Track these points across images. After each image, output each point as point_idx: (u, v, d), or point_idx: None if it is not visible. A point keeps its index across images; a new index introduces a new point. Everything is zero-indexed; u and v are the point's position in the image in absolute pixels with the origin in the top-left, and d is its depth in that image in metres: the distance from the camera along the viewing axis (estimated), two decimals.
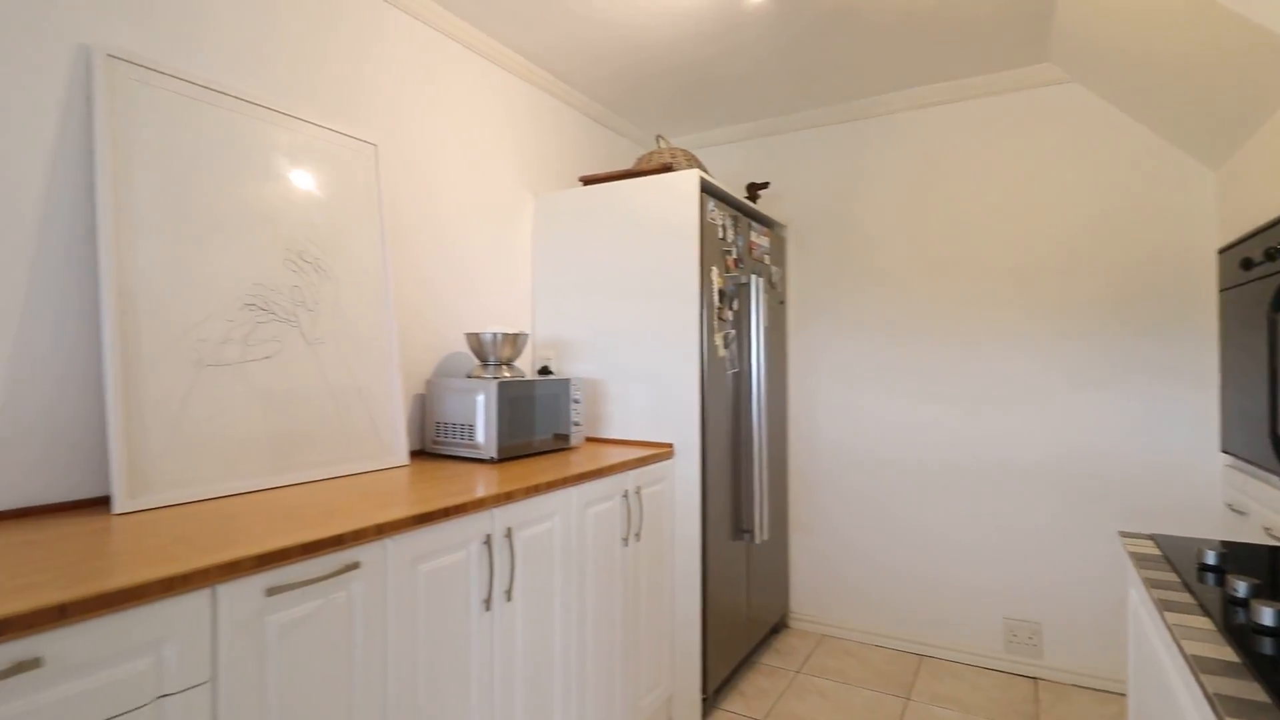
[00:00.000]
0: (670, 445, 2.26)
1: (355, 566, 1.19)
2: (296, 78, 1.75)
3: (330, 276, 1.75)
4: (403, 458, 1.86)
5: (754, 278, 2.54)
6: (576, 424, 2.22)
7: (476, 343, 2.07)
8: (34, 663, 0.81)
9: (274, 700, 1.06)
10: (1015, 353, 2.58)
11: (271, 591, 1.05)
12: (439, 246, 2.18)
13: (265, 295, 1.59)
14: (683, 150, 2.50)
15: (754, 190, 2.89)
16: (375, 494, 1.49)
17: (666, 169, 2.34)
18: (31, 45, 1.28)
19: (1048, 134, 2.54)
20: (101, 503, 1.35)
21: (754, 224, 2.67)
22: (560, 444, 2.16)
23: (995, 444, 2.61)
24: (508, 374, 2.07)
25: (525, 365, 2.53)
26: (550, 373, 2.44)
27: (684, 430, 2.25)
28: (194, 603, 0.96)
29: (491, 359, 2.08)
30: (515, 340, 2.09)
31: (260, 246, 1.60)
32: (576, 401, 2.22)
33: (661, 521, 2.19)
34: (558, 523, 1.71)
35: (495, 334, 2.04)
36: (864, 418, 2.86)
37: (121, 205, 1.36)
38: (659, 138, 2.70)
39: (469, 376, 2.05)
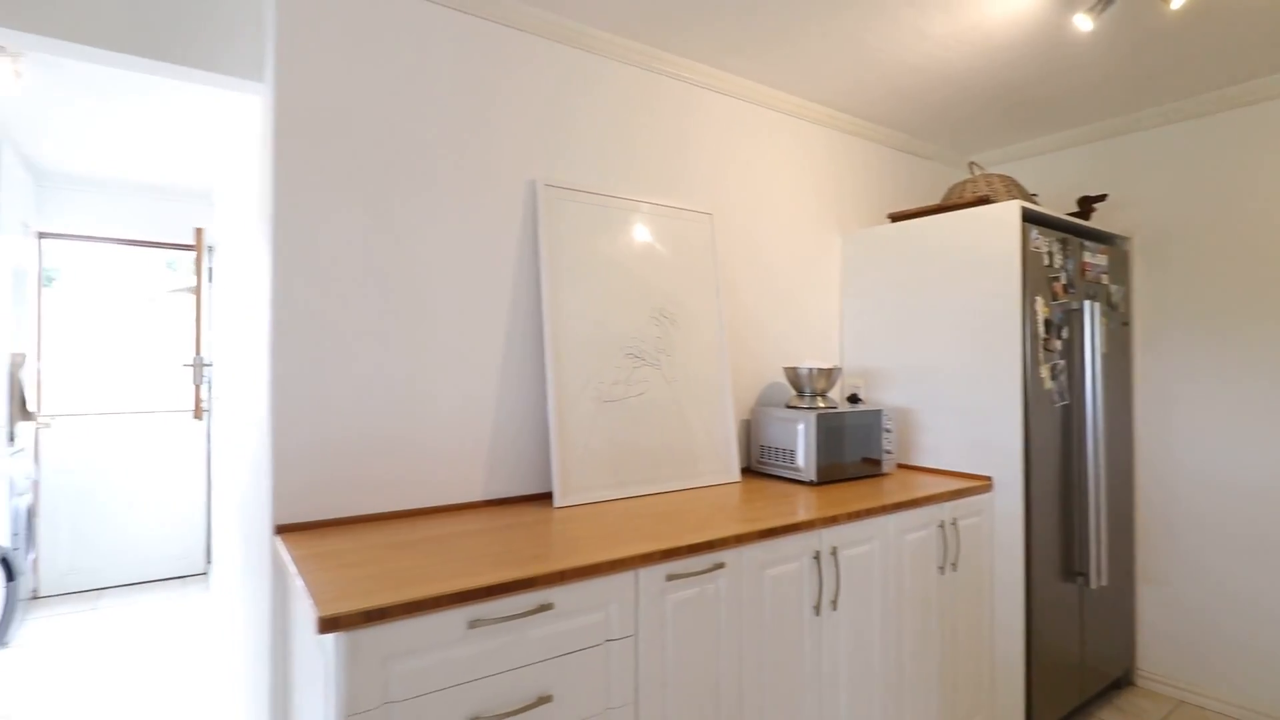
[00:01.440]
0: (988, 478, 2.26)
1: (721, 566, 1.54)
2: (652, 174, 2.22)
3: (680, 326, 2.18)
4: (735, 475, 2.21)
5: (1087, 303, 2.38)
6: (888, 452, 2.35)
7: (794, 375, 2.35)
8: (549, 605, 1.28)
9: (670, 654, 1.45)
10: None
11: (670, 578, 1.45)
12: (758, 290, 2.51)
13: (639, 345, 2.07)
14: (1000, 177, 2.46)
15: (1087, 205, 2.67)
16: (721, 506, 1.84)
17: (983, 201, 2.34)
18: (503, 182, 1.91)
19: None
20: (545, 497, 1.92)
21: (1086, 243, 2.49)
22: (872, 470, 2.32)
23: None
24: (823, 404, 2.30)
25: (834, 393, 2.73)
26: (859, 400, 2.61)
27: (1004, 464, 2.23)
28: (625, 580, 1.39)
29: (807, 390, 2.34)
30: (829, 374, 2.31)
31: (636, 307, 2.08)
32: (888, 430, 2.35)
33: (980, 555, 2.21)
34: (876, 546, 1.89)
35: (811, 369, 2.29)
36: (1249, 451, 2.45)
37: (555, 285, 1.93)
38: (972, 164, 2.68)
39: (787, 406, 2.33)
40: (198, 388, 3.52)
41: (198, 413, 3.55)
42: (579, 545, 1.45)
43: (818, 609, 1.74)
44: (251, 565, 1.90)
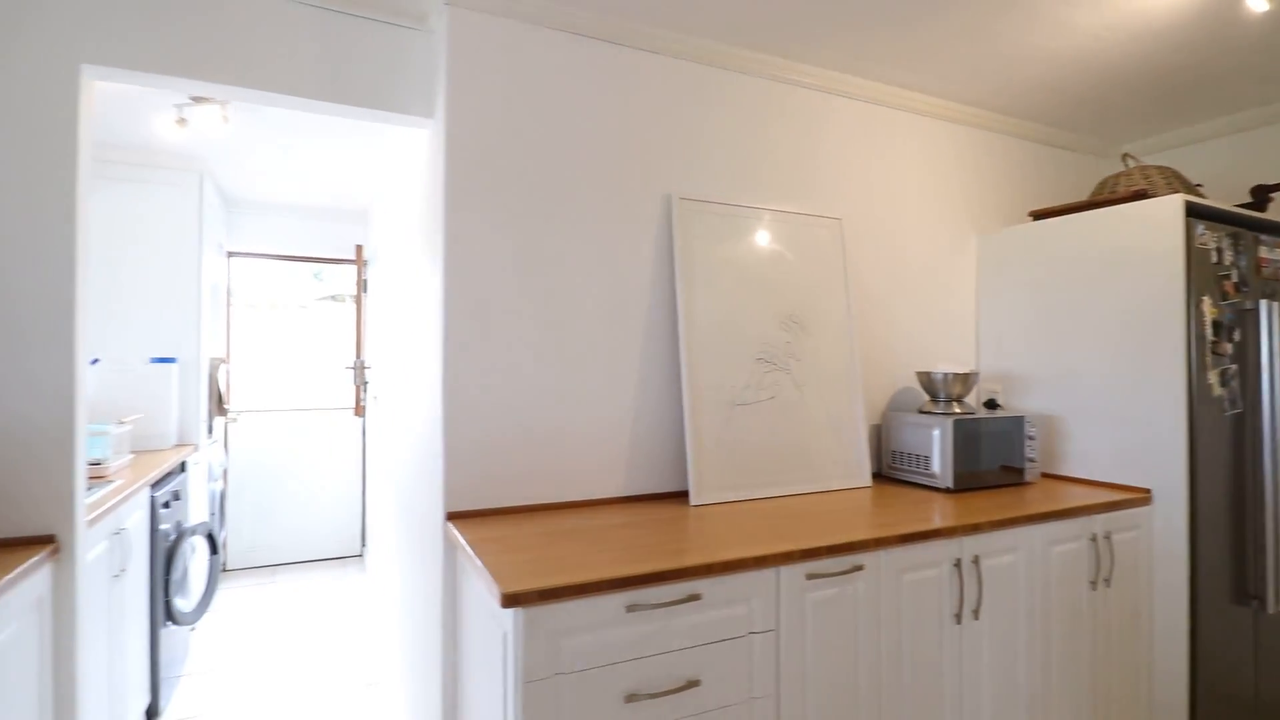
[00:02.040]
0: (1146, 490, 2.12)
1: (860, 569, 1.56)
2: (781, 181, 2.26)
3: (809, 331, 2.21)
4: (866, 480, 2.21)
5: (1264, 303, 2.18)
6: (1031, 460, 2.26)
7: (927, 380, 2.31)
8: (698, 596, 1.37)
9: (810, 651, 1.50)
10: None
11: (810, 576, 1.50)
12: (889, 294, 2.48)
13: (769, 351, 2.12)
14: (1158, 169, 2.30)
15: (1263, 194, 2.43)
16: (855, 509, 1.86)
17: (1139, 195, 2.19)
18: (639, 198, 2.02)
19: None
20: (681, 495, 2.02)
21: (1263, 237, 2.27)
22: (1012, 478, 2.23)
23: None
24: (959, 410, 2.25)
25: (970, 398, 2.65)
26: (997, 406, 2.51)
27: (1164, 475, 2.08)
28: (767, 576, 1.45)
29: (942, 395, 2.29)
30: (966, 379, 2.26)
31: (766, 313, 2.13)
32: (1031, 438, 2.26)
33: (1136, 571, 2.08)
34: (1021, 556, 1.84)
35: (946, 373, 2.25)
36: None
37: (688, 293, 2.02)
38: (1125, 156, 2.51)
39: (920, 411, 2.29)
40: (358, 388, 3.92)
41: (358, 410, 3.95)
42: (719, 541, 1.53)
43: (959, 618, 1.72)
44: (419, 547, 2.13)
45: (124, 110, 2.61)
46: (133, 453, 2.80)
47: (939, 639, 1.69)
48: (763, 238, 2.17)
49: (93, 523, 1.78)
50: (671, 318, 2.05)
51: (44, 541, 1.54)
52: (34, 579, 1.46)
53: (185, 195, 3.21)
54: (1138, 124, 2.78)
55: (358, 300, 4.02)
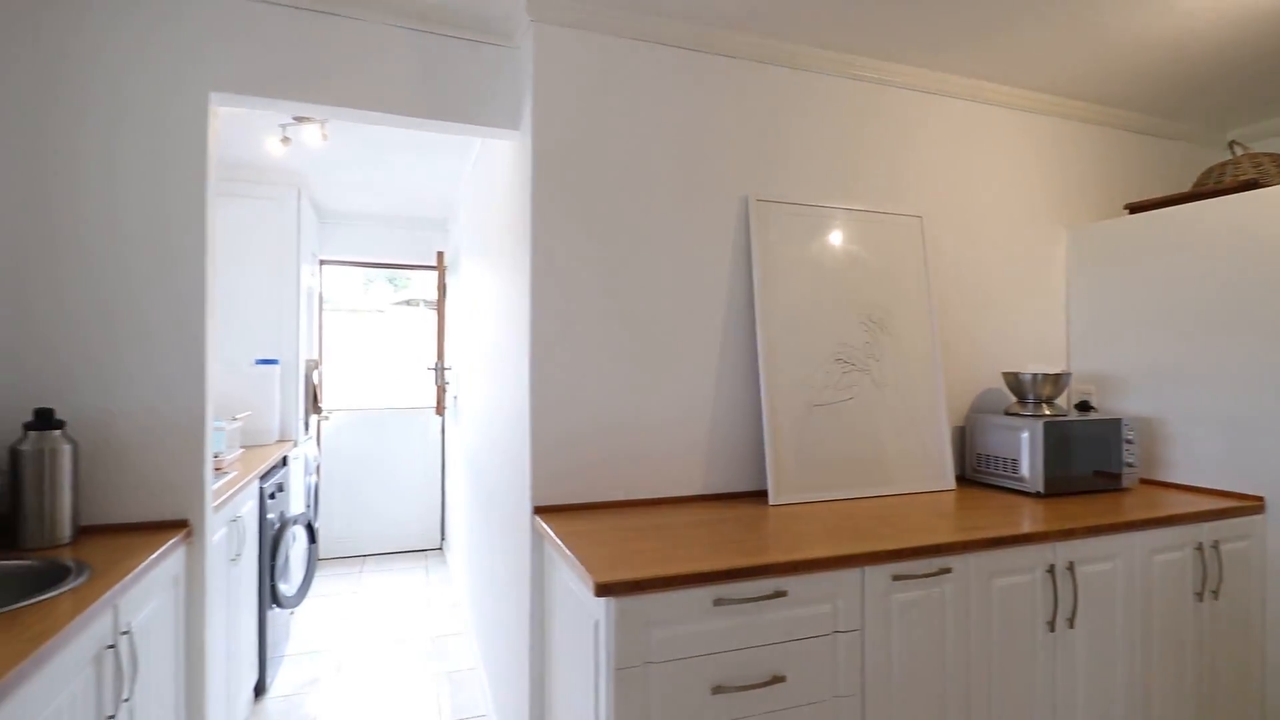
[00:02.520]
0: (1259, 499, 1.99)
1: (947, 571, 1.54)
2: (859, 180, 2.24)
3: (889, 331, 2.18)
4: (950, 483, 2.16)
5: None
6: (1129, 465, 2.16)
7: (1015, 381, 2.24)
8: (783, 592, 1.39)
9: (896, 652, 1.49)
10: None
11: (895, 578, 1.49)
12: (972, 292, 2.42)
13: (847, 351, 2.11)
14: (1270, 156, 2.16)
15: None
16: (939, 512, 1.83)
17: (1250, 185, 2.07)
18: (717, 200, 2.05)
19: None
20: (759, 495, 2.03)
21: None
22: (1107, 483, 2.14)
23: None
24: (1049, 412, 2.17)
25: (1061, 400, 2.55)
26: (1090, 408, 2.41)
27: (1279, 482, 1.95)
28: (852, 576, 1.45)
29: (1030, 396, 2.21)
30: (1056, 380, 2.18)
31: (844, 313, 2.12)
32: (1129, 442, 2.16)
33: (1248, 584, 1.96)
34: (1119, 564, 1.76)
35: (1036, 374, 2.17)
36: None
37: (766, 293, 2.03)
38: (1233, 144, 2.37)
39: (1007, 413, 2.22)
40: (439, 388, 4.10)
41: (439, 409, 4.13)
42: (802, 540, 1.54)
43: (1052, 625, 1.67)
44: (506, 539, 2.22)
45: (235, 131, 2.83)
46: (242, 447, 3.03)
47: (1031, 647, 1.65)
48: (841, 237, 2.16)
49: (216, 510, 1.95)
50: (749, 318, 2.07)
51: (179, 526, 1.70)
52: (172, 559, 1.62)
53: (285, 208, 3.44)
54: (1245, 109, 2.61)
55: (439, 304, 4.20)
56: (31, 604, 1.18)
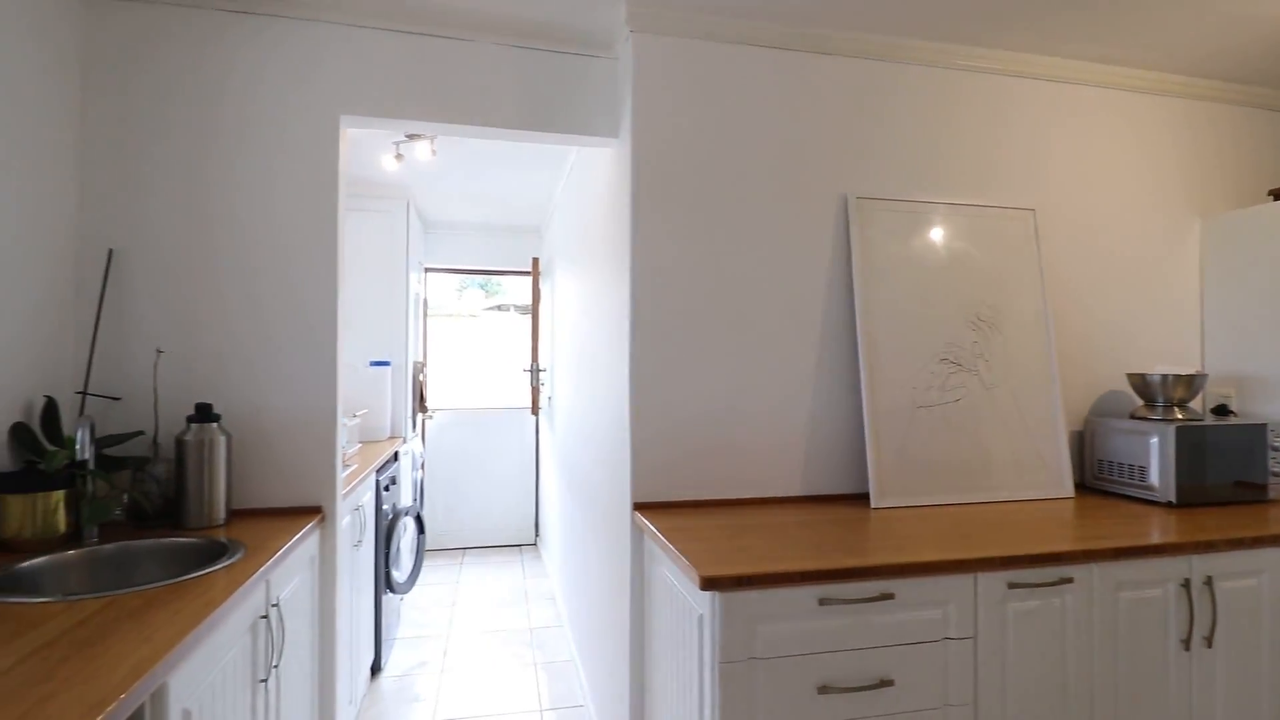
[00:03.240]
0: None
1: (1069, 581, 1.47)
2: (964, 173, 2.16)
3: (999, 330, 2.09)
4: (1068, 490, 2.05)
5: None
6: (1276, 475, 1.97)
7: (1141, 382, 2.09)
8: (891, 595, 1.37)
9: (1012, 663, 1.43)
10: None
11: (1011, 586, 1.43)
12: (1091, 289, 2.28)
13: (954, 350, 2.04)
14: None
15: None
16: (1057, 520, 1.74)
17: None
18: (814, 199, 2.03)
19: None
20: (860, 498, 2.00)
21: None
22: (1251, 495, 1.96)
23: None
24: (1180, 415, 2.01)
25: (1195, 403, 2.35)
26: (1230, 412, 2.21)
27: None
28: (964, 582, 1.41)
29: (1160, 399, 2.06)
30: (1190, 381, 2.02)
31: (950, 311, 2.05)
32: (1276, 449, 1.97)
33: None
34: (1265, 580, 1.62)
35: (1166, 375, 2.02)
36: None
37: (866, 293, 2.00)
38: None
39: (1134, 417, 2.08)
40: (535, 389, 4.25)
41: (534, 409, 4.28)
42: (908, 543, 1.51)
43: (1187, 644, 1.55)
44: (605, 534, 2.28)
45: (354, 149, 3.06)
46: (360, 443, 3.25)
47: (1163, 665, 1.54)
48: (945, 233, 2.09)
49: (343, 498, 2.11)
50: (849, 318, 2.04)
51: (313, 511, 1.87)
52: (310, 541, 1.78)
53: (395, 220, 3.68)
54: None
55: (534, 308, 4.35)
56: (198, 576, 1.33)
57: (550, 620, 3.51)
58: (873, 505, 1.89)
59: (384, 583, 2.92)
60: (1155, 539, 1.55)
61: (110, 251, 1.78)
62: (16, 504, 1.47)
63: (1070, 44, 2.12)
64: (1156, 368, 2.28)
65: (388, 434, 3.56)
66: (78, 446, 1.53)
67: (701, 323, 1.95)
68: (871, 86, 2.09)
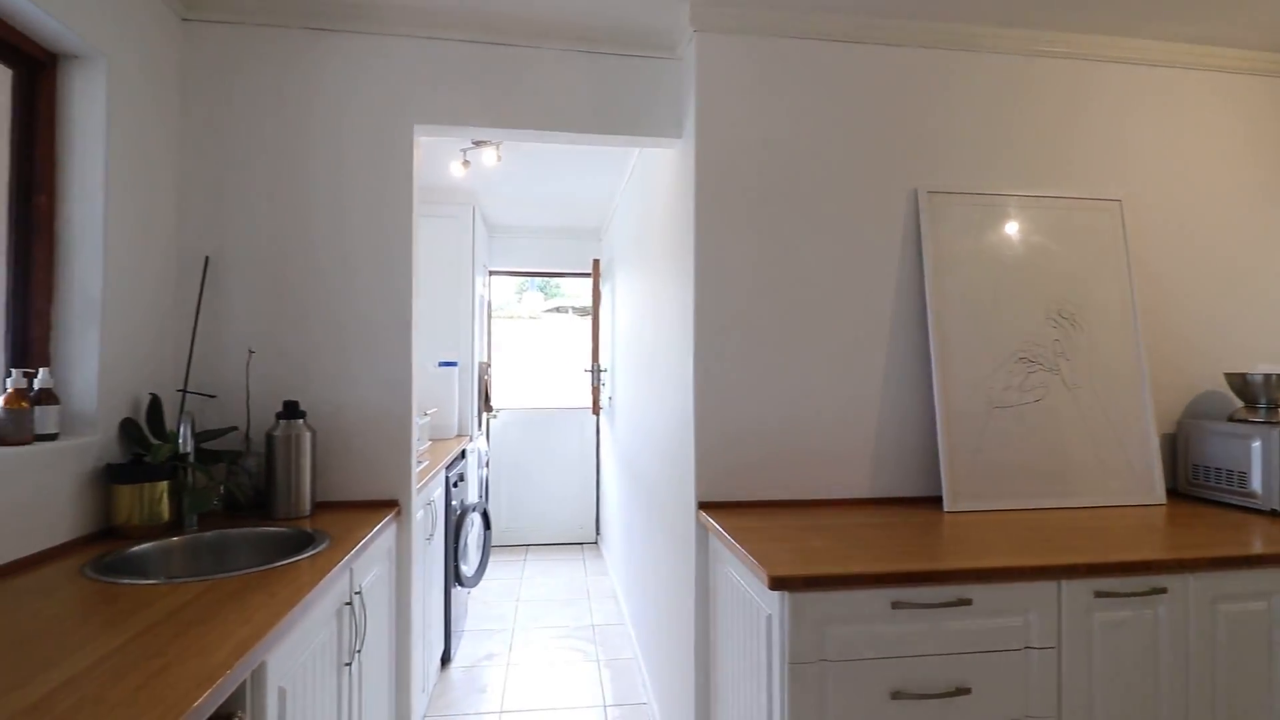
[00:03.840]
0: None
1: (1162, 591, 1.39)
2: (1041, 164, 2.07)
3: (1083, 327, 1.99)
4: (1160, 496, 1.93)
5: None
6: None
7: (1242, 383, 1.96)
8: (967, 600, 1.32)
9: (1099, 675, 1.37)
10: None
11: (1098, 594, 1.37)
12: (1184, 283, 2.14)
13: (1032, 349, 1.96)
14: None
15: None
16: (1147, 528, 1.64)
17: None
18: (883, 194, 1.99)
19: None
20: (933, 500, 1.94)
21: None
22: None
23: None
24: None
25: None
26: None
27: None
28: (1047, 589, 1.35)
29: (1262, 400, 1.93)
30: None
31: (1027, 307, 1.97)
32: None
33: None
34: None
35: (1270, 374, 1.89)
36: None
37: (939, 290, 1.94)
38: None
39: (1232, 419, 1.95)
40: (595, 389, 4.30)
41: (595, 408, 4.33)
42: (985, 548, 1.46)
43: None
44: (669, 534, 2.29)
45: (424, 157, 3.17)
46: (430, 440, 3.37)
47: (1267, 683, 1.44)
48: (1023, 226, 2.01)
49: (417, 493, 2.19)
50: (920, 315, 1.98)
51: (390, 505, 1.95)
52: (388, 533, 1.86)
53: (462, 225, 3.79)
54: None
55: (595, 309, 4.40)
56: (289, 563, 1.41)
57: (612, 618, 3.55)
58: (945, 509, 1.83)
59: (453, 576, 3.01)
60: (1258, 549, 1.45)
61: (206, 259, 1.91)
62: (126, 493, 1.59)
63: (1153, 23, 2.00)
64: (1258, 367, 2.13)
65: (455, 432, 3.67)
66: (180, 440, 1.65)
67: (766, 322, 1.93)
68: (942, 77, 2.03)
